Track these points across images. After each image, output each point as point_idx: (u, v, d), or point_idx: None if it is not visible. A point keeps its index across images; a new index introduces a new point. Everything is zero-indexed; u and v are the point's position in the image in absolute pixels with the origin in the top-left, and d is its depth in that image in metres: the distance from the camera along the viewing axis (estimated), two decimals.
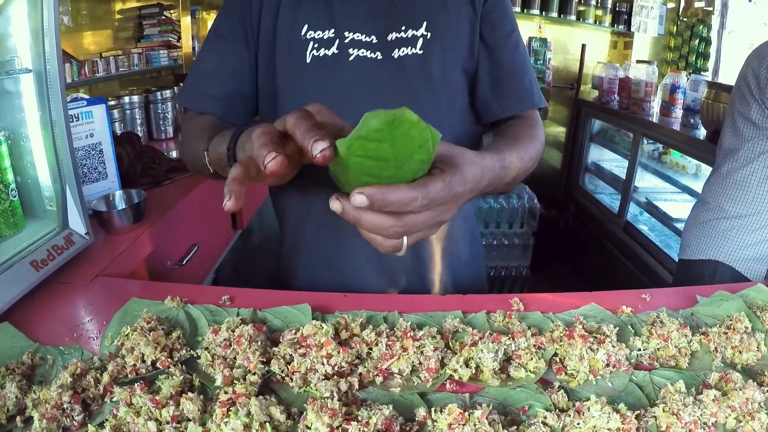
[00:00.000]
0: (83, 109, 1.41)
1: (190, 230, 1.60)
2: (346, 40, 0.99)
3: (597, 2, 4.11)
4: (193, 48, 3.00)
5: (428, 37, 1.01)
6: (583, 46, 4.11)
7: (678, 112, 3.14)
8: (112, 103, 2.22)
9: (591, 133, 3.98)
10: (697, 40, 4.09)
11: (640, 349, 0.77)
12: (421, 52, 1.01)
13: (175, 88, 2.65)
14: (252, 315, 0.81)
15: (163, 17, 2.75)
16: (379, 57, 0.99)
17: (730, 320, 0.83)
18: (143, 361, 0.68)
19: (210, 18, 3.56)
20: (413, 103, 0.97)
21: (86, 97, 1.50)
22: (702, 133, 2.74)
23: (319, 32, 1.00)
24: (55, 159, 1.07)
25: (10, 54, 1.04)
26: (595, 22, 4.16)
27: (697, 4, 4.17)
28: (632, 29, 4.14)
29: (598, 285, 3.22)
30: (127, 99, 2.32)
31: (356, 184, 0.54)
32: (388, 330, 0.75)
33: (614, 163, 3.77)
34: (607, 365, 0.71)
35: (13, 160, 1.06)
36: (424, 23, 1.01)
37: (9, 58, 1.04)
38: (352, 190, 0.54)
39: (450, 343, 0.75)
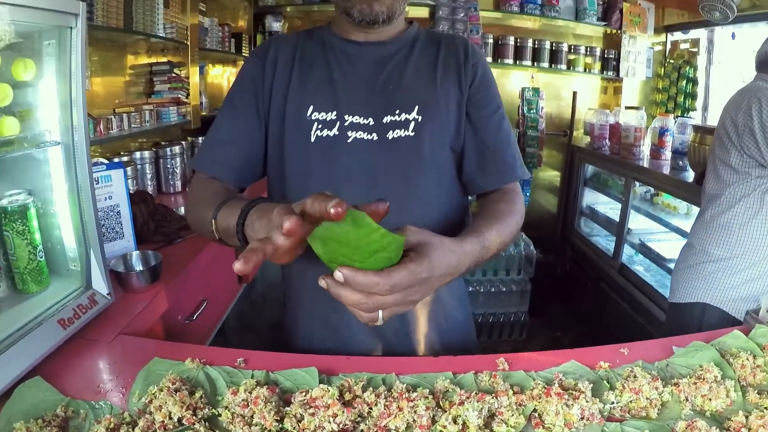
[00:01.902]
0: (103, 173, 1.52)
1: (200, 286, 1.69)
2: (346, 123, 1.10)
3: (586, 50, 4.26)
4: (201, 103, 3.13)
5: (419, 120, 1.11)
6: (574, 93, 4.25)
7: (667, 155, 3.25)
8: (125, 159, 2.35)
9: (585, 177, 4.08)
10: (685, 81, 4.19)
11: (613, 402, 0.85)
12: (413, 134, 1.11)
13: (183, 143, 2.79)
14: (265, 377, 0.90)
15: (173, 75, 2.88)
16: (375, 138, 1.10)
17: (701, 370, 0.91)
18: (170, 418, 0.77)
19: (216, 70, 3.72)
20: (405, 180, 1.11)
21: (106, 162, 1.61)
22: (691, 174, 2.82)
23: (323, 113, 1.11)
24: (80, 223, 1.15)
25: (41, 127, 1.12)
26: (585, 70, 4.29)
27: (682, 46, 4.31)
28: (621, 75, 4.27)
29: (596, 327, 3.25)
30: (138, 155, 2.44)
31: (336, 264, 0.66)
32: (386, 391, 0.83)
33: (608, 206, 3.86)
34: (582, 418, 0.79)
35: (40, 223, 1.14)
36: (416, 107, 1.11)
37: (39, 132, 1.12)
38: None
39: (440, 402, 0.83)
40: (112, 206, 1.54)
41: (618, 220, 3.43)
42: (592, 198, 4.09)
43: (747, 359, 0.96)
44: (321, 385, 0.80)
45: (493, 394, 0.83)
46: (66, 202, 1.15)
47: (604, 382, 0.91)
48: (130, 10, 2.33)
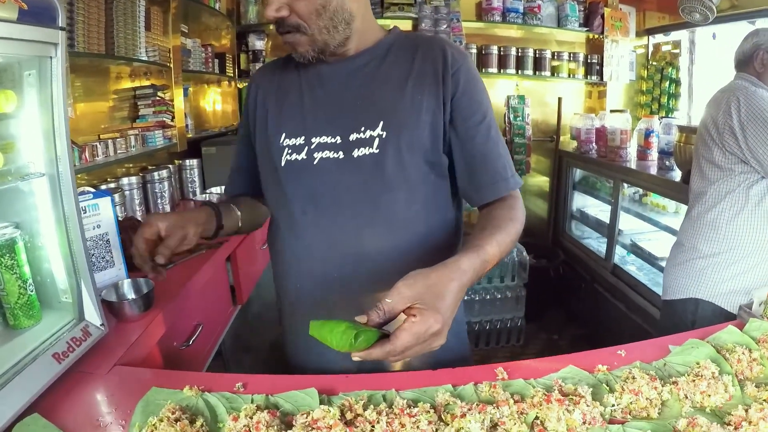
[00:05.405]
0: (90, 202, 1.49)
1: (195, 311, 1.68)
2: (313, 146, 1.11)
3: (570, 56, 4.27)
4: (187, 125, 3.11)
5: (384, 136, 1.08)
6: (560, 99, 4.26)
7: (654, 155, 3.28)
8: (112, 185, 2.31)
9: (573, 181, 4.12)
10: (667, 82, 4.23)
11: (613, 405, 0.86)
12: (377, 151, 1.08)
13: (171, 166, 2.76)
14: (265, 401, 0.89)
15: (157, 98, 2.84)
16: (341, 156, 1.10)
17: (699, 367, 0.92)
18: None
19: (201, 92, 3.72)
20: (370, 200, 1.11)
21: (92, 190, 1.60)
22: (678, 174, 2.86)
23: (293, 139, 1.13)
24: (69, 254, 1.13)
25: (24, 159, 1.11)
26: (569, 76, 4.30)
27: (664, 48, 4.34)
28: (605, 79, 4.29)
29: (592, 328, 3.27)
30: (125, 180, 2.40)
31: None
32: (387, 408, 0.83)
33: (598, 208, 3.88)
34: (584, 423, 0.80)
35: (29, 256, 1.12)
36: (381, 123, 1.08)
37: (23, 164, 1.10)
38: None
39: (442, 416, 0.83)
40: (101, 235, 1.53)
41: (608, 221, 3.46)
42: (581, 201, 4.12)
43: (743, 354, 0.98)
44: (322, 406, 0.80)
45: (494, 404, 0.83)
46: (54, 233, 1.14)
47: (603, 385, 0.92)
48: (112, 35, 2.30)
